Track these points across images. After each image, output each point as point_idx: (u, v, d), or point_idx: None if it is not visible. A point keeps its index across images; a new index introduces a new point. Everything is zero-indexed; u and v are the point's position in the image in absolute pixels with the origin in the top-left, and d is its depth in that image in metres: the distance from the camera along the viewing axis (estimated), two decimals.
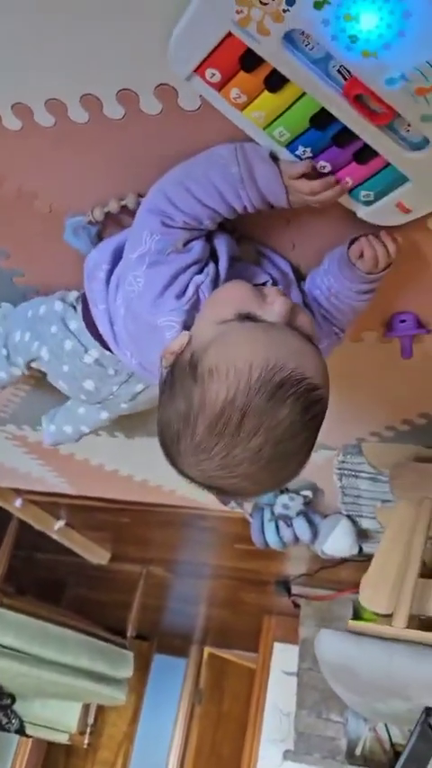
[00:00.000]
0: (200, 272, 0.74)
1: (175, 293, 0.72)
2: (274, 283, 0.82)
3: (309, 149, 0.69)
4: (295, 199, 0.73)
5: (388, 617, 1.11)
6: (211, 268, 0.75)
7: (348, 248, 0.80)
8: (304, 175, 0.70)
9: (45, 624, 2.53)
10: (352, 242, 0.80)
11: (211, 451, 0.61)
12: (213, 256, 0.77)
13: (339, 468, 1.43)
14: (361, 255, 0.79)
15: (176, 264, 0.72)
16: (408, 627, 1.05)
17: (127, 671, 2.86)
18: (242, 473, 0.61)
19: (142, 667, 3.57)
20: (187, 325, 0.71)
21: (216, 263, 0.76)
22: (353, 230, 0.81)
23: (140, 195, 0.82)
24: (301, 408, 0.60)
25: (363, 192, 0.73)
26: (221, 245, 0.78)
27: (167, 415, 0.64)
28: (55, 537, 2.48)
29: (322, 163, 0.70)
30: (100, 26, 0.67)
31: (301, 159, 0.70)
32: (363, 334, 1.02)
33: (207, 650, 3.97)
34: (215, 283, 0.74)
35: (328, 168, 0.70)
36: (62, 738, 3.17)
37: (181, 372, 0.64)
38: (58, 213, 0.91)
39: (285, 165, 0.71)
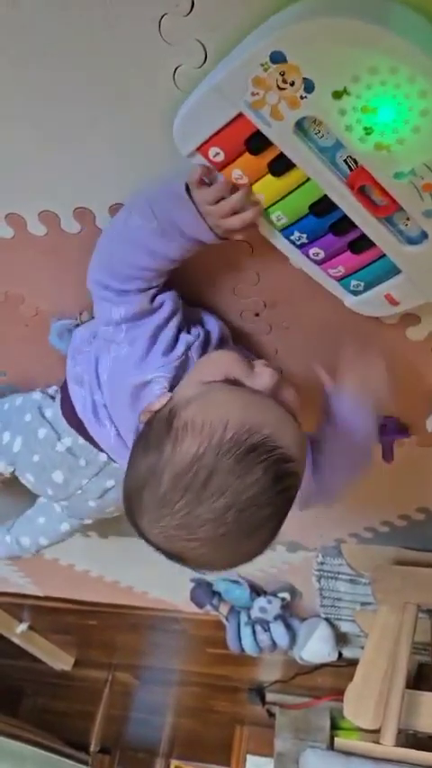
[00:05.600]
0: (188, 331, 0.73)
1: (161, 351, 0.71)
2: None
3: (305, 235, 0.68)
4: (218, 227, 0.67)
5: (374, 732, 1.06)
6: (200, 330, 0.75)
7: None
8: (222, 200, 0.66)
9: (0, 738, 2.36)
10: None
11: (174, 506, 0.58)
12: (203, 327, 0.78)
13: (318, 570, 1.41)
14: None
15: (153, 324, 0.72)
16: (396, 743, 1.01)
17: None
18: (203, 537, 0.59)
19: None
20: (173, 385, 0.70)
21: (206, 330, 0.77)
22: (327, 333, 0.83)
23: None
24: (271, 477, 0.58)
25: (353, 282, 0.72)
26: (211, 324, 0.79)
27: (136, 466, 0.63)
28: (16, 641, 2.35)
29: (316, 249, 0.69)
30: (96, 143, 0.70)
31: (296, 245, 0.69)
32: None
33: (174, 764, 3.69)
34: (204, 348, 0.74)
35: (321, 255, 0.69)
36: None
37: (157, 425, 0.63)
38: (43, 316, 0.92)
39: (198, 193, 0.65)
